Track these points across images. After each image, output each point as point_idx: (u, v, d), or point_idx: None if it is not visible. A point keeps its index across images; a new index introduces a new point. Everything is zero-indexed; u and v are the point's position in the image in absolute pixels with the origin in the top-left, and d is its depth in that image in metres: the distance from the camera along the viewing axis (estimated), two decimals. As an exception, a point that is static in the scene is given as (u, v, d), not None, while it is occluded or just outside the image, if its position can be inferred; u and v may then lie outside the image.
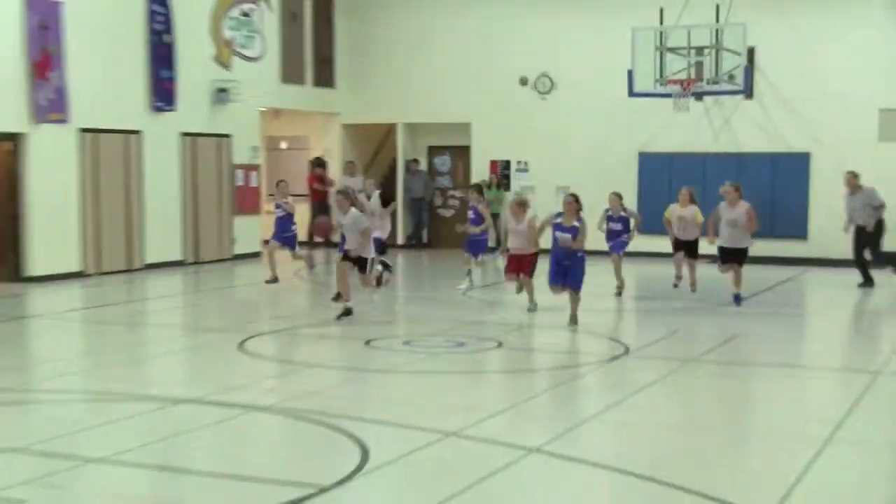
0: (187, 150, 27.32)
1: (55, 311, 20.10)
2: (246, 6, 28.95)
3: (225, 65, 28.28)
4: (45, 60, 23.51)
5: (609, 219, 21.51)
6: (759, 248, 22.56)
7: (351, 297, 18.20)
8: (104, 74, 24.91)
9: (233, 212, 28.81)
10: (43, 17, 23.42)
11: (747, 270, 20.56)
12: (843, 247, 24.45)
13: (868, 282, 23.31)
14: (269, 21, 29.88)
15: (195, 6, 27.43)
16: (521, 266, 19.02)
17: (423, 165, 32.66)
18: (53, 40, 23.65)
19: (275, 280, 22.88)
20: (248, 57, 29.05)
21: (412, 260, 29.70)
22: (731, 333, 17.37)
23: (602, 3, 29.72)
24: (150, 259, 25.75)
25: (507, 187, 30.34)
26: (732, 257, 20.26)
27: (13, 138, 23.45)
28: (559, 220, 17.75)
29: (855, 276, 23.30)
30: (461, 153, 32.02)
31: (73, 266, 24.33)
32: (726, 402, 13.36)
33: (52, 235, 23.41)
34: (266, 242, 25.07)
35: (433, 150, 32.67)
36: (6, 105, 22.90)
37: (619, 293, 21.53)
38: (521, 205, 19.42)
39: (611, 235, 21.56)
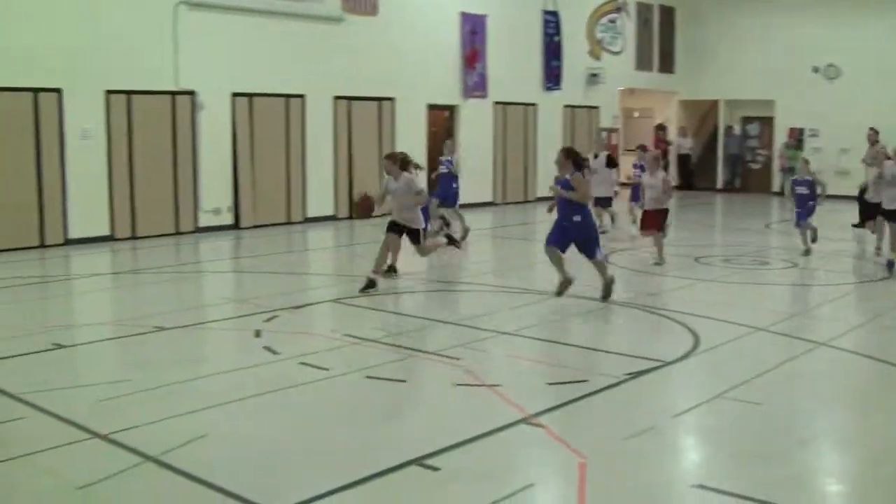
0: (568, 118, 27.46)
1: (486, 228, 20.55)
2: (612, 15, 28.90)
3: (596, 57, 28.30)
4: (472, 55, 24.21)
5: (795, 182, 16.40)
6: None
7: (380, 271, 12.71)
8: (512, 64, 25.35)
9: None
10: (473, 25, 24.14)
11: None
12: None
13: None
14: (628, 26, 29.64)
15: (577, 15, 27.47)
16: (653, 222, 15.16)
17: (738, 130, 31.59)
18: (479, 41, 24.30)
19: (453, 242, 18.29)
20: (612, 51, 28.97)
21: (727, 200, 28.87)
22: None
23: (883, 7, 27.96)
24: (540, 194, 26.01)
25: (801, 148, 29.00)
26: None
27: (451, 108, 24.31)
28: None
29: None
30: (767, 122, 30.75)
31: (487, 196, 25.12)
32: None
33: (472, 172, 23.98)
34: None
35: (746, 119, 31.54)
36: (448, 85, 23.84)
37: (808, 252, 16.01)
38: (657, 159, 15.73)
39: (799, 201, 16.08)
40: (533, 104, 26.30)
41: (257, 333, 9.91)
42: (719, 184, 31.50)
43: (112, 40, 17.45)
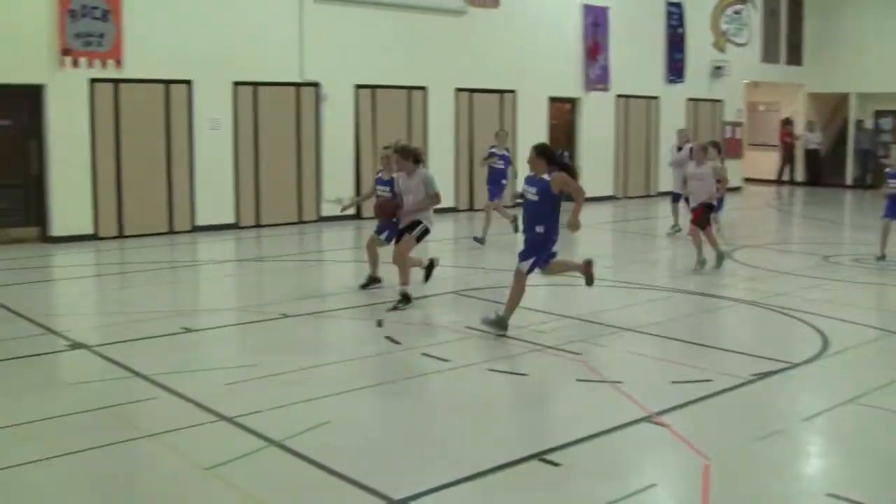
0: (691, 111, 26.99)
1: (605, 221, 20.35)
2: (738, 6, 28.29)
3: (720, 49, 27.75)
4: (594, 47, 23.99)
5: (889, 175, 14.79)
6: None
7: (409, 280, 11.05)
8: (634, 56, 25.02)
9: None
10: (595, 17, 23.90)
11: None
12: None
13: None
14: (754, 17, 28.95)
15: (700, 6, 26.98)
16: (695, 216, 13.89)
17: (869, 125, 30.56)
18: (601, 33, 24.05)
19: (481, 240, 16.17)
20: (737, 43, 28.35)
21: (857, 197, 27.98)
22: None
23: None
24: (662, 189, 25.63)
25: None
26: None
27: (572, 101, 24.11)
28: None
29: None
30: (900, 116, 29.91)
31: (608, 190, 24.86)
32: None
33: (595, 167, 23.72)
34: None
35: (879, 113, 30.50)
36: (570, 78, 23.71)
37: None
38: (705, 149, 14.48)
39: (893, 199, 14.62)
40: (655, 97, 25.94)
41: (379, 323, 9.98)
42: (849, 180, 30.50)
43: (240, 33, 17.82)
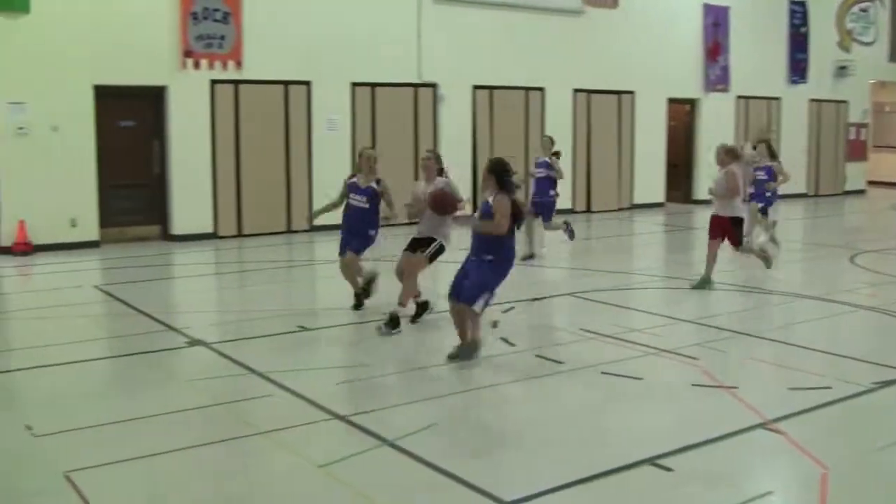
0: (813, 113, 26.40)
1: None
2: (864, 4, 27.66)
3: (846, 48, 27.11)
4: (715, 47, 23.63)
5: None
6: None
7: (408, 302, 9.97)
8: (755, 56, 24.59)
9: (846, 158, 27.67)
10: (715, 17, 23.56)
11: None
12: None
13: None
14: (882, 14, 28.16)
15: (825, 4, 26.42)
16: (715, 229, 12.40)
17: None
18: (722, 33, 23.68)
19: (530, 256, 14.43)
20: (863, 42, 27.66)
21: None
22: None
23: None
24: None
25: None
26: None
27: (691, 102, 23.78)
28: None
29: None
30: None
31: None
32: None
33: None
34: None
35: None
36: (689, 79, 23.35)
37: None
38: (728, 152, 12.46)
39: None
40: (776, 98, 25.40)
41: (494, 324, 9.97)
42: None
43: (358, 34, 18.05)
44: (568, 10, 21.04)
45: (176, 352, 9.08)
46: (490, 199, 8.33)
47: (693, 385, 7.94)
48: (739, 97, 24.49)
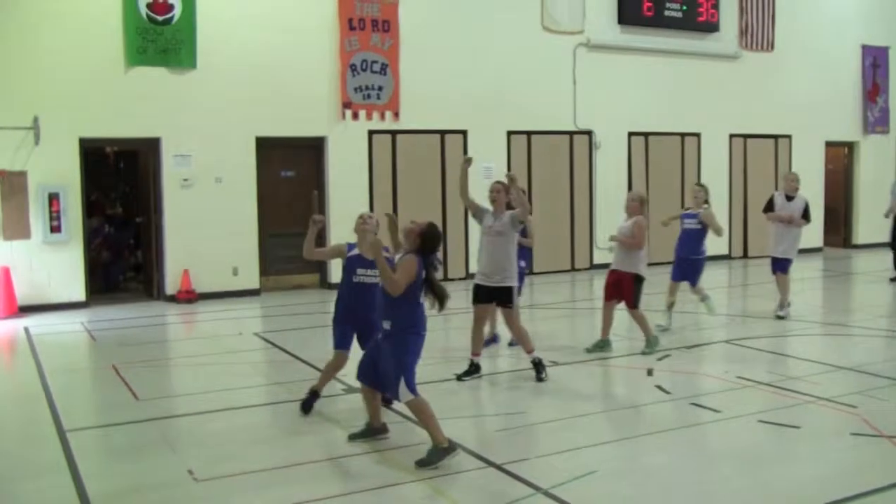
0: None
1: (876, 270, 19.44)
2: None
3: None
4: (874, 89, 23.03)
5: None
6: None
7: (480, 349, 9.99)
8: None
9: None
10: (874, 57, 22.99)
11: None
12: None
13: None
14: None
15: None
16: (612, 288, 11.21)
17: None
18: (881, 74, 23.10)
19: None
20: None
21: None
22: None
23: None
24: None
25: None
26: None
27: (848, 145, 23.23)
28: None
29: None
30: None
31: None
32: None
33: (872, 213, 22.60)
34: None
35: None
36: (846, 121, 22.85)
37: None
38: (640, 201, 11.26)
39: None
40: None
41: (650, 372, 9.96)
42: None
43: (513, 82, 18.32)
44: (723, 55, 20.89)
45: (332, 399, 9.04)
46: (397, 256, 7.43)
47: (853, 434, 7.76)
48: (902, 139, 23.80)
